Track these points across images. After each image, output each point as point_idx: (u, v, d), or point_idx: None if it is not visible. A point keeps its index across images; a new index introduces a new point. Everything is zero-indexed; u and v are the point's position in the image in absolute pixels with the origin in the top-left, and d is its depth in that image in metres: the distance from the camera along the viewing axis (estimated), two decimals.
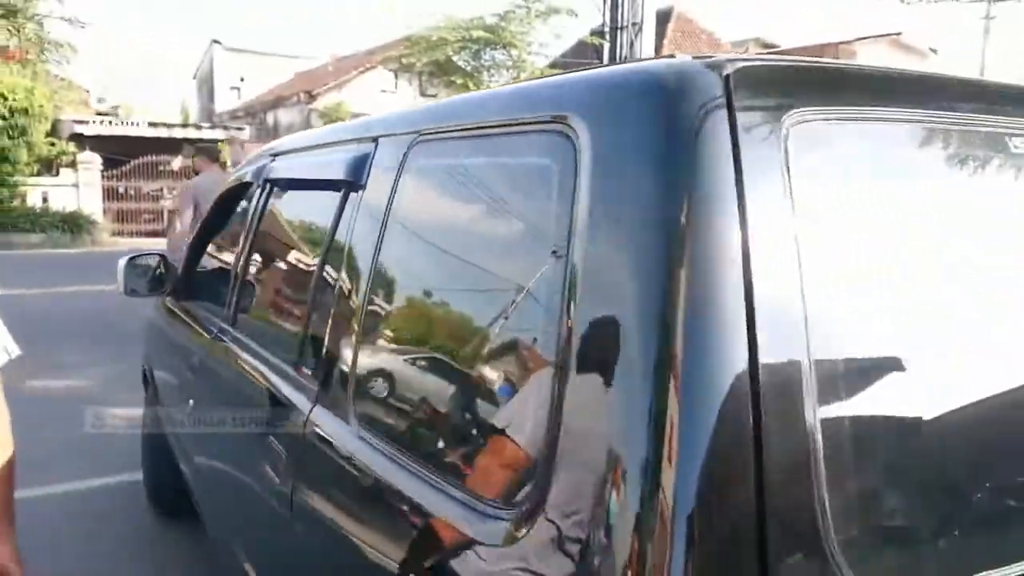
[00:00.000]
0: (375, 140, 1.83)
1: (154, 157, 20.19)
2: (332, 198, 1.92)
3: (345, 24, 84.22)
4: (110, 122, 21.79)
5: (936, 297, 1.12)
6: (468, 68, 23.60)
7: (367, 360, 1.61)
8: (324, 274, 1.89)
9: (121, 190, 20.27)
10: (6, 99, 17.16)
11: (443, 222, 1.57)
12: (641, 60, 1.18)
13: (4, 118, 17.18)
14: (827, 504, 0.92)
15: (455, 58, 23.57)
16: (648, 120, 1.08)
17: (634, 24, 24.06)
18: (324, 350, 1.76)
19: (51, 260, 15.13)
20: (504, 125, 1.38)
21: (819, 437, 0.94)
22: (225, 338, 2.56)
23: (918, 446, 1.06)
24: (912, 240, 1.12)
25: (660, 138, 1.05)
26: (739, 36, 38.54)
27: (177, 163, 20.61)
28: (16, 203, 18.15)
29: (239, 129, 22.96)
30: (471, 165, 1.48)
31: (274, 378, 2.02)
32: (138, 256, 3.67)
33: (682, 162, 1.00)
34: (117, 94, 33.39)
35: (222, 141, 20.47)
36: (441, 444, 1.38)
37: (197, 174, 7.39)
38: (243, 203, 2.89)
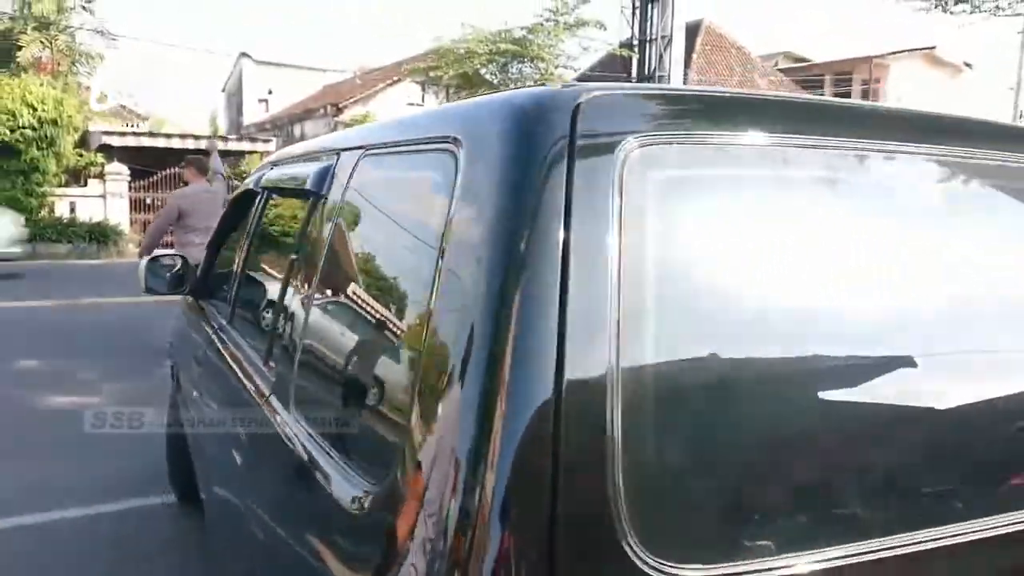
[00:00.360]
0: (338, 154, 2.00)
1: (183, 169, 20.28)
2: (304, 206, 2.14)
3: (374, 37, 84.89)
4: (138, 134, 21.88)
5: (748, 307, 1.20)
6: (495, 81, 23.45)
7: (304, 355, 1.82)
8: (289, 277, 2.10)
9: (148, 201, 20.29)
10: (35, 110, 17.22)
11: (368, 231, 1.77)
12: (522, 89, 1.37)
13: (33, 128, 17.23)
14: (622, 494, 1.01)
15: (482, 71, 23.46)
16: (497, 143, 1.21)
17: (663, 37, 23.82)
18: (280, 346, 1.99)
19: (77, 271, 15.10)
20: (422, 142, 1.54)
21: (619, 436, 1.02)
22: (223, 335, 2.77)
23: (714, 447, 1.14)
24: (732, 253, 1.21)
25: (505, 159, 1.17)
26: (769, 50, 38.22)
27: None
28: (44, 213, 18.19)
29: (265, 141, 22.94)
30: (396, 178, 1.70)
31: (250, 371, 2.20)
32: (159, 256, 3.87)
33: (520, 183, 1.13)
34: (146, 104, 33.69)
35: (247, 152, 20.48)
36: (343, 427, 1.55)
37: (186, 184, 7.47)
38: (245, 208, 3.14)
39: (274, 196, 2.74)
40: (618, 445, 1.02)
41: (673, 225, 1.18)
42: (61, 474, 4.49)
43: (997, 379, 1.39)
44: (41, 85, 17.96)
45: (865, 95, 34.33)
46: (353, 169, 1.82)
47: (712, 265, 1.20)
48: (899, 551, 1.17)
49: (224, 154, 22.27)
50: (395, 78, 26.74)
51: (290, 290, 2.03)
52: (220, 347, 2.70)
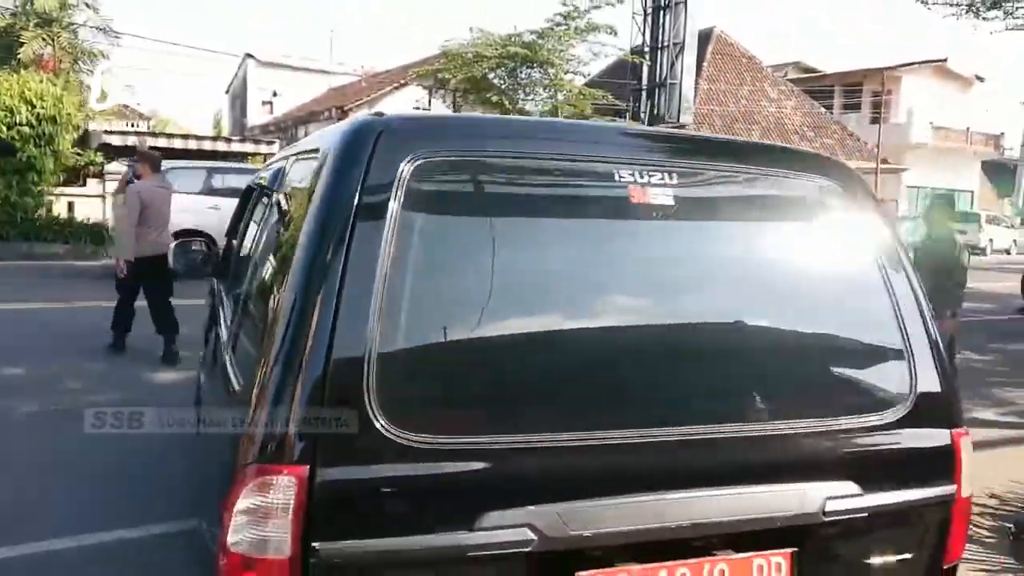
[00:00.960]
0: (287, 158, 2.63)
1: None
2: (266, 200, 2.86)
3: (379, 40, 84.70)
4: (139, 133, 21.48)
5: (478, 283, 1.82)
6: (503, 86, 23.06)
7: (237, 317, 2.62)
8: (249, 258, 2.81)
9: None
10: (33, 106, 16.81)
11: (277, 219, 2.45)
12: (359, 117, 2.00)
13: (31, 126, 16.80)
14: (374, 391, 1.64)
15: (491, 75, 23.08)
16: (331, 156, 1.86)
17: (675, 44, 23.48)
18: (234, 311, 2.78)
19: (72, 272, 14.65)
20: (312, 151, 2.18)
21: (374, 362, 1.65)
22: (220, 307, 3.43)
23: (439, 373, 1.77)
24: (481, 245, 1.85)
25: (330, 169, 1.82)
26: (780, 59, 37.88)
27: None
28: (41, 213, 17.76)
29: (269, 143, 22.51)
30: (298, 179, 2.27)
31: (223, 328, 2.97)
32: (186, 240, 4.86)
33: (334, 189, 1.76)
34: (149, 104, 33.35)
35: (252, 155, 20.09)
36: (243, 356, 2.23)
37: (138, 178, 7.60)
38: (244, 201, 3.85)
39: (258, 191, 3.41)
40: (373, 369, 1.65)
41: (436, 223, 1.82)
42: None
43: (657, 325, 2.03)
44: (41, 82, 17.54)
45: (876, 106, 33.95)
46: (287, 171, 2.57)
47: (459, 252, 1.84)
48: (568, 443, 1.77)
49: (226, 156, 21.90)
50: (402, 81, 26.37)
51: (248, 269, 2.76)
52: (219, 315, 3.36)
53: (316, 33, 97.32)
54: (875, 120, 32.91)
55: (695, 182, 2.07)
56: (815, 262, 2.18)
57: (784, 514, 1.90)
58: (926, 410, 2.08)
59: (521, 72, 23.01)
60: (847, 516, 1.95)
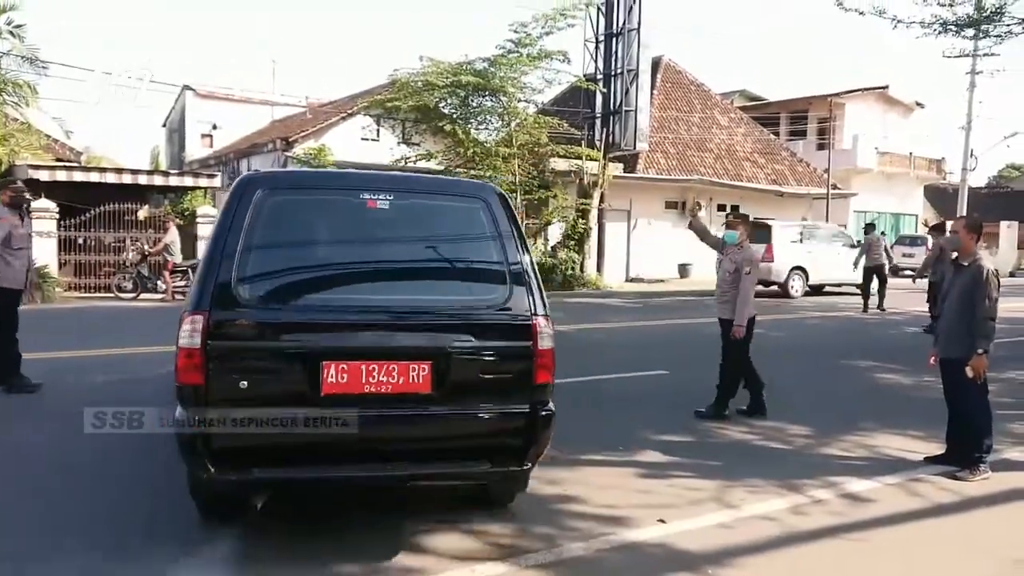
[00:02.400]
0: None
1: (118, 206, 18.57)
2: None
3: (326, 70, 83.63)
4: (69, 167, 20.21)
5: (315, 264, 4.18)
6: (455, 115, 22.43)
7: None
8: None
9: (80, 241, 18.58)
10: None
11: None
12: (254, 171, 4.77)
13: None
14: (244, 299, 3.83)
15: (442, 104, 22.44)
16: (232, 186, 4.24)
17: (629, 71, 23.14)
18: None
19: None
20: (229, 185, 6.01)
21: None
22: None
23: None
24: (303, 224, 4.20)
25: (231, 190, 4.13)
26: (728, 87, 38.10)
27: (143, 213, 19.02)
28: None
29: (210, 177, 21.45)
30: (225, 198, 4.27)
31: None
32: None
33: (228, 209, 3.98)
34: (81, 140, 31.76)
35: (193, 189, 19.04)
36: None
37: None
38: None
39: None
40: (238, 274, 3.81)
41: (270, 214, 3.98)
42: None
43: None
44: None
45: (822, 132, 34.27)
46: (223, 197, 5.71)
47: (283, 227, 4.08)
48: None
49: (165, 190, 20.76)
50: (349, 111, 25.52)
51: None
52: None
53: (258, 64, 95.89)
54: (821, 146, 33.17)
55: (401, 198, 4.25)
56: (465, 236, 4.31)
57: (429, 346, 3.98)
58: (515, 304, 4.08)
59: (473, 100, 22.44)
60: (463, 349, 4.01)
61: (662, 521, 4.49)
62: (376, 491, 4.76)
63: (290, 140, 24.55)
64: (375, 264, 4.21)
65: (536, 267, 4.25)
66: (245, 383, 3.72)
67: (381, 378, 3.83)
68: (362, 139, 24.88)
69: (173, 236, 17.58)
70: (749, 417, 7.05)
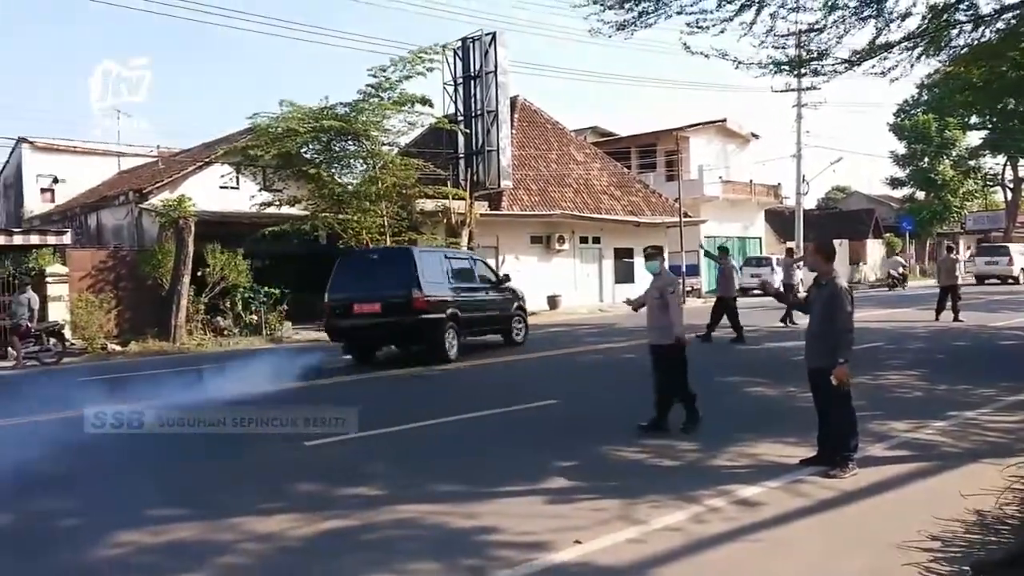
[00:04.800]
0: None
1: None
2: None
3: (177, 117, 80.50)
4: None
5: None
6: (318, 160, 22.26)
7: None
8: None
9: None
10: None
11: None
12: None
13: None
14: None
15: (304, 150, 22.22)
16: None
17: (489, 112, 23.84)
18: None
19: None
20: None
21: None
22: None
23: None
24: None
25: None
26: (580, 124, 39.68)
27: None
28: None
29: (58, 234, 20.31)
30: None
31: None
32: None
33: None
34: None
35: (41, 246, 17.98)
36: None
37: None
38: None
39: None
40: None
41: None
42: None
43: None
44: None
45: (670, 164, 36.28)
46: None
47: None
48: None
49: (6, 249, 19.43)
50: (206, 159, 24.80)
51: None
52: None
53: (100, 116, 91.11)
54: (671, 177, 35.12)
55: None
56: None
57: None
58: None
59: (336, 145, 22.36)
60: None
61: (578, 542, 4.73)
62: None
63: (144, 192, 23.56)
64: None
65: None
66: None
67: None
68: (221, 187, 24.17)
69: (35, 298, 16.51)
70: (692, 431, 7.51)
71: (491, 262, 26.72)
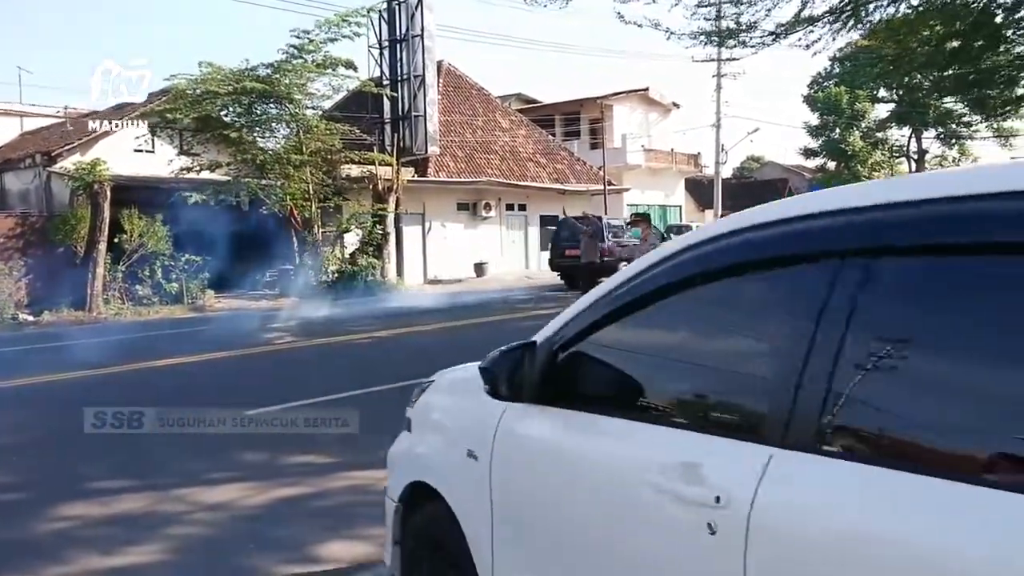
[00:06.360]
0: None
1: None
2: None
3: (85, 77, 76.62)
4: None
5: None
6: (240, 124, 21.62)
7: None
8: None
9: None
10: None
11: None
12: None
13: None
14: None
15: (224, 113, 21.54)
16: None
17: (415, 76, 23.52)
18: None
19: None
20: None
21: None
22: None
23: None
24: None
25: None
26: (504, 91, 39.56)
27: None
28: None
29: None
30: None
31: None
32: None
33: None
34: None
35: None
36: None
37: None
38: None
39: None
40: None
41: None
42: None
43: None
44: None
45: (594, 132, 36.61)
46: None
47: None
48: None
49: None
50: (118, 121, 23.76)
51: None
52: None
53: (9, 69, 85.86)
54: (595, 145, 35.45)
55: None
56: None
57: None
58: None
59: (257, 108, 21.76)
60: None
61: None
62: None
63: (52, 154, 22.46)
64: None
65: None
66: None
67: None
68: (135, 150, 23.24)
69: None
70: None
71: (417, 229, 26.69)
